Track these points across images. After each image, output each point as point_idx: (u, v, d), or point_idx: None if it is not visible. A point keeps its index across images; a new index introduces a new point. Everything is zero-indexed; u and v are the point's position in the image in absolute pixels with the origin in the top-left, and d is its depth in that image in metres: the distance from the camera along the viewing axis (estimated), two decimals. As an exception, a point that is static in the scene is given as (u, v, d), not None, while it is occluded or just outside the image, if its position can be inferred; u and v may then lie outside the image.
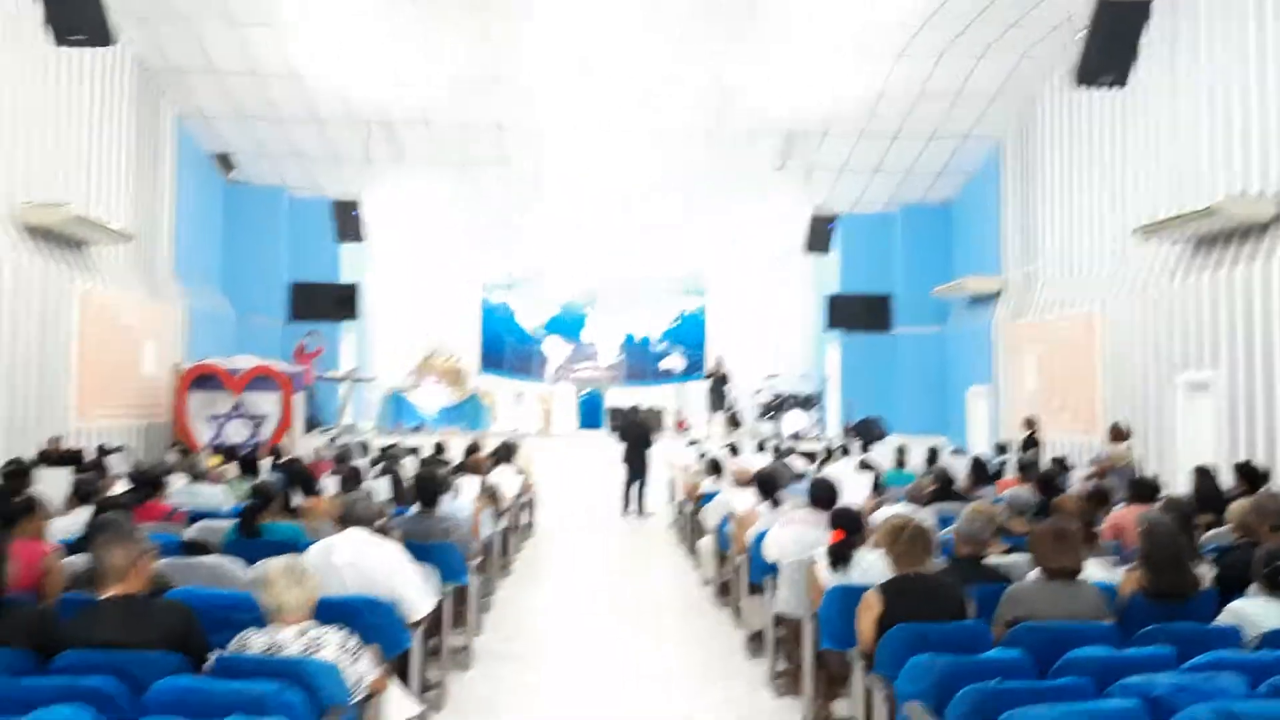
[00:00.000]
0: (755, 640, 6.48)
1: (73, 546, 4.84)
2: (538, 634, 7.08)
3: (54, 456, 8.50)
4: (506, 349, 20.61)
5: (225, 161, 16.36)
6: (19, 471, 6.71)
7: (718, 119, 14.96)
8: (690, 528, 10.29)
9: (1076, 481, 8.88)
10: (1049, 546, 3.94)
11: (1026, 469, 8.61)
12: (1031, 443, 12.09)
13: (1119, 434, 10.22)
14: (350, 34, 13.11)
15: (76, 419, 11.66)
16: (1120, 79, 8.20)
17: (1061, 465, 10.12)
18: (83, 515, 5.50)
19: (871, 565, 4.60)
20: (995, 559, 4.81)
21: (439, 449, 11.11)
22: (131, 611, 3.15)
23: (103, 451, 9.57)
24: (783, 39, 13.03)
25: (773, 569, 5.62)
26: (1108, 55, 8.06)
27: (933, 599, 3.86)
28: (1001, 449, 13.30)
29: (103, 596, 3.21)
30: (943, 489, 7.77)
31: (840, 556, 4.60)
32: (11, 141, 10.67)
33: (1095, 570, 4.45)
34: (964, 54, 13.26)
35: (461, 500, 7.05)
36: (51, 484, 6.57)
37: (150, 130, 14.02)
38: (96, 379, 12.15)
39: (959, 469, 8.88)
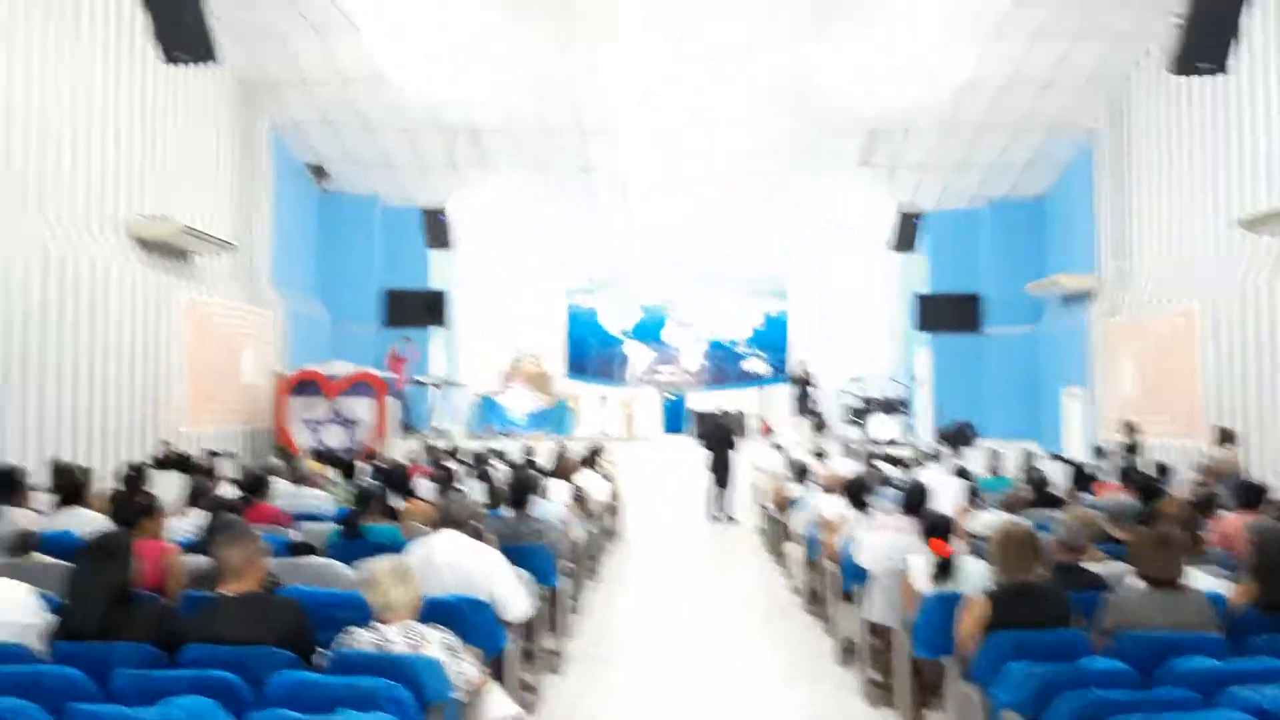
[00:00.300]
0: (846, 648, 6.44)
1: (189, 546, 5.11)
2: (626, 638, 7.15)
3: (166, 461, 8.91)
4: (591, 353, 20.82)
5: (319, 171, 16.93)
6: (136, 475, 7.07)
7: (800, 117, 14.86)
8: (777, 533, 10.26)
9: (1179, 487, 8.59)
10: (1150, 553, 3.84)
11: (1126, 474, 8.37)
12: (1131, 447, 11.71)
13: (1224, 437, 9.84)
14: (436, 44, 13.41)
15: (184, 424, 12.21)
16: (1220, 65, 7.78)
17: (1163, 470, 9.80)
18: (196, 517, 5.79)
19: (971, 573, 4.55)
20: (1095, 566, 4.70)
21: (528, 453, 11.30)
22: (249, 608, 3.32)
23: (214, 456, 9.99)
24: (866, 34, 12.87)
25: (864, 576, 5.59)
26: (1206, 41, 7.66)
27: (1039, 606, 3.81)
28: (1099, 453, 12.92)
29: (222, 593, 3.39)
30: (1040, 495, 7.62)
31: (944, 568, 4.54)
32: (120, 158, 11.24)
33: (1203, 579, 4.32)
34: (1054, 41, 12.88)
35: (552, 504, 7.17)
36: (164, 487, 6.89)
37: (248, 142, 14.60)
38: (201, 385, 12.69)
39: (1055, 474, 8.67)
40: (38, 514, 5.95)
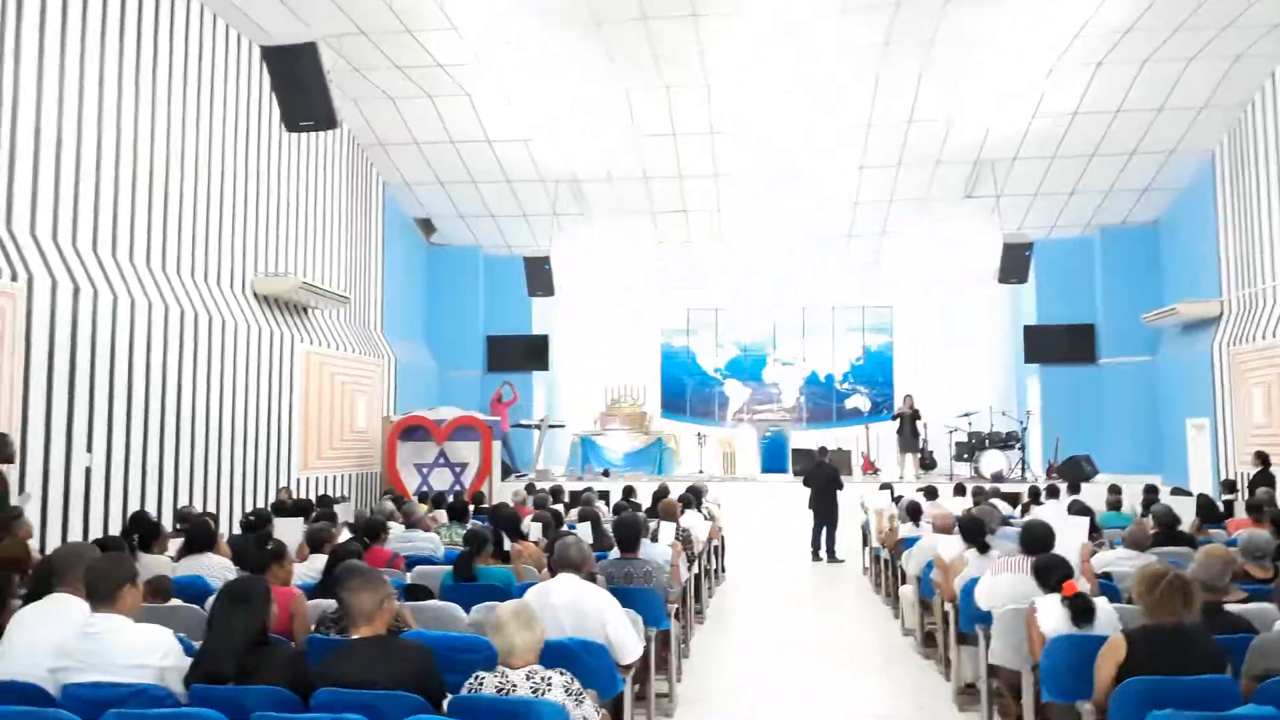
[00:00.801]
0: (966, 691, 6.23)
1: (311, 590, 5.27)
2: (735, 681, 7.06)
3: (287, 507, 9.25)
4: (688, 392, 20.81)
5: (426, 225, 17.57)
6: (259, 521, 7.34)
7: (903, 150, 14.75)
8: (888, 574, 10.02)
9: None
10: (1303, 595, 3.63)
11: (1259, 508, 7.91)
12: (1263, 479, 11.07)
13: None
14: (539, 103, 13.85)
15: (299, 469, 12.68)
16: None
17: (1303, 504, 9.24)
18: (317, 562, 5.97)
19: (1103, 615, 4.37)
20: (1235, 607, 4.46)
21: (628, 493, 11.32)
22: (379, 651, 3.39)
23: (329, 501, 10.31)
24: (970, 64, 12.74)
25: (985, 618, 5.41)
26: None
27: (1184, 650, 3.61)
28: (1229, 486, 12.26)
29: (353, 637, 3.48)
30: (1166, 531, 7.27)
31: (1084, 610, 4.35)
32: (246, 220, 11.90)
33: (1356, 621, 4.05)
34: (1167, 64, 12.57)
35: (659, 545, 7.16)
36: (285, 532, 7.13)
37: (362, 199, 15.25)
38: (316, 432, 13.18)
39: (1182, 509, 8.25)
40: (170, 560, 6.23)
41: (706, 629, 8.97)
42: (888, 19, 11.72)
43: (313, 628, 4.55)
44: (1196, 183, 15.10)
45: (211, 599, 3.66)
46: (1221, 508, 9.72)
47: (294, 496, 11.15)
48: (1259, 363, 13.05)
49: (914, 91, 13.36)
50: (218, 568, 6.00)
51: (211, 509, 10.55)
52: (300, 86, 8.05)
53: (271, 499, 11.29)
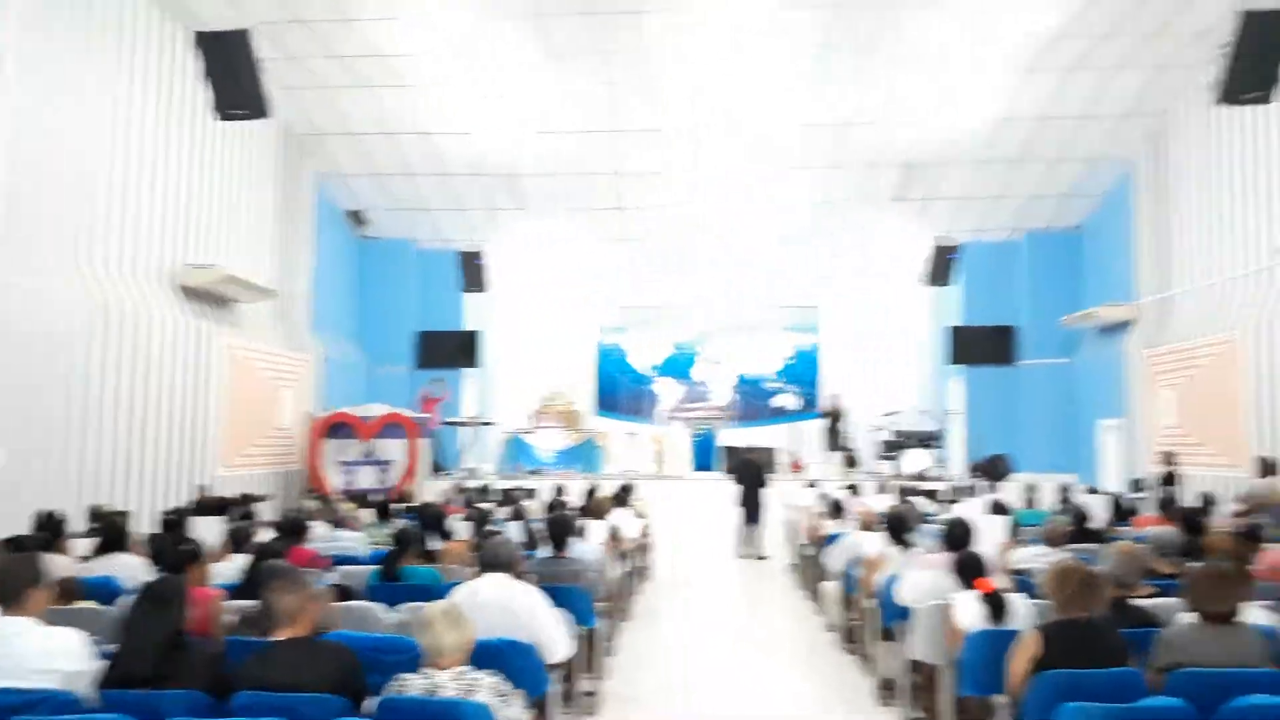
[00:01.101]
0: (887, 687, 6.35)
1: (231, 591, 5.14)
2: (661, 678, 7.09)
3: (207, 505, 9.01)
4: (620, 391, 20.84)
5: (357, 217, 17.26)
6: (179, 520, 7.14)
7: (834, 154, 14.96)
8: (811, 570, 10.16)
9: (1221, 519, 8.44)
10: (1208, 589, 3.78)
11: (1167, 506, 8.24)
12: (1171, 479, 11.53)
13: (1267, 468, 9.67)
14: (478, 96, 13.71)
15: (221, 466, 12.36)
16: (1265, 95, 7.72)
17: (1208, 501, 9.64)
18: (238, 562, 5.83)
19: (1019, 610, 4.50)
20: (1142, 601, 4.63)
21: (559, 492, 11.30)
22: (301, 653, 3.33)
23: (251, 499, 10.08)
24: (901, 70, 12.98)
25: (906, 614, 5.53)
26: (1252, 70, 7.59)
27: (1093, 644, 3.75)
28: (1138, 485, 12.74)
29: (274, 638, 3.41)
30: (1079, 529, 7.52)
31: (997, 606, 4.46)
32: (169, 209, 11.52)
33: (1252, 613, 4.24)
34: (1091, 72, 12.96)
35: (589, 543, 7.16)
36: (205, 531, 6.96)
37: (292, 191, 14.90)
38: (238, 429, 12.86)
39: (1094, 507, 8.55)
40: (79, 560, 6.02)
41: (634, 626, 8.99)
42: (826, 20, 11.88)
43: (233, 629, 4.45)
44: (1118, 189, 15.62)
45: (122, 600, 3.55)
46: (1131, 506, 10.10)
47: (216, 495, 10.87)
48: (1170, 365, 13.56)
49: (849, 94, 13.55)
50: (131, 568, 5.82)
51: (128, 507, 10.22)
52: (232, 74, 7.85)
53: (192, 497, 10.98)
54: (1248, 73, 7.46)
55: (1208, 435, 12.49)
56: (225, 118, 8.10)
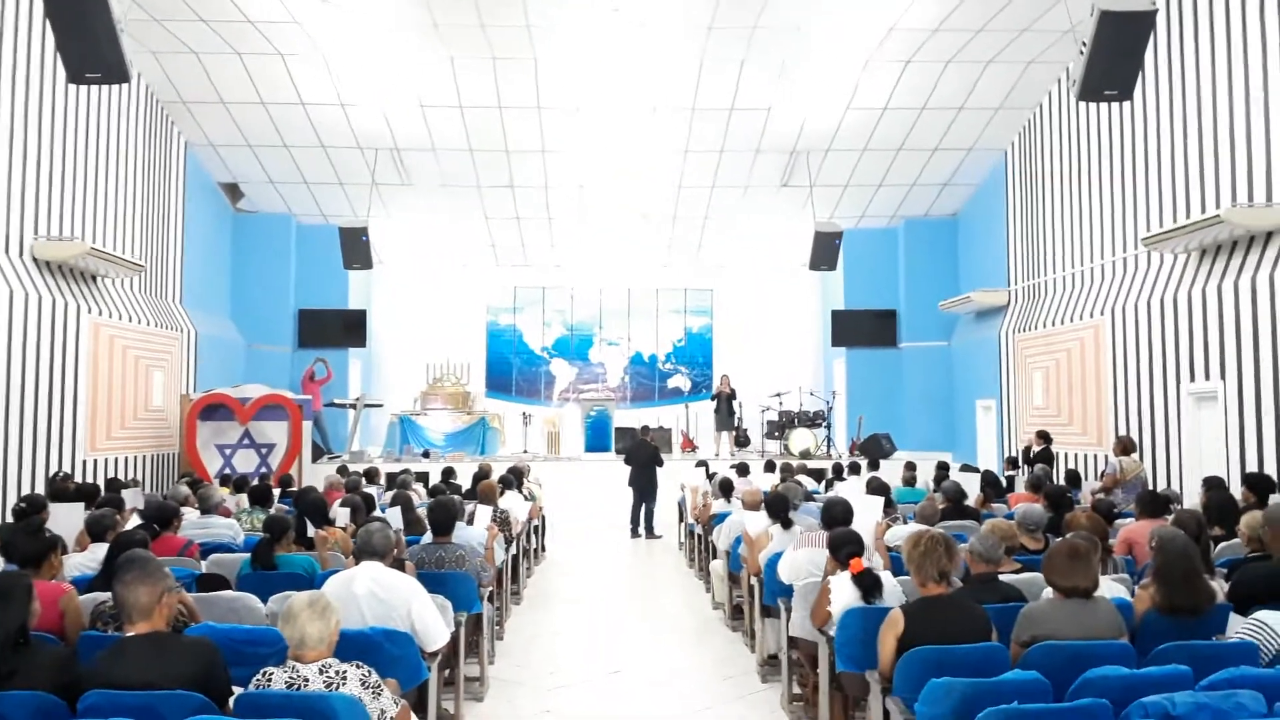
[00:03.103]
0: (770, 663, 6.48)
1: (89, 583, 4.87)
2: (550, 660, 7.08)
3: (66, 492, 8.50)
4: (514, 371, 20.65)
5: (233, 191, 16.55)
6: (34, 508, 6.72)
7: (725, 137, 15.07)
8: (701, 549, 10.29)
9: (1087, 495, 8.87)
10: (1062, 565, 3.94)
11: (1038, 484, 8.60)
12: (1043, 456, 12.07)
13: (1125, 447, 10.21)
14: (359, 67, 13.28)
15: (86, 451, 11.73)
16: (1125, 93, 8.06)
17: (1074, 480, 10.12)
18: (99, 552, 5.53)
19: (891, 589, 4.61)
20: (1009, 576, 4.82)
21: (447, 474, 11.11)
22: (156, 649, 3.16)
23: (119, 485, 9.58)
24: (790, 53, 13.12)
25: (787, 591, 5.63)
26: (1112, 69, 7.88)
27: (956, 620, 3.88)
28: (1013, 463, 13.30)
29: (128, 634, 3.23)
30: (954, 506, 7.79)
31: (871, 585, 4.56)
32: (24, 177, 10.79)
33: (1108, 587, 4.45)
34: (970, 63, 13.37)
35: (474, 528, 7.06)
36: (63, 520, 6.57)
37: (161, 161, 14.17)
38: (105, 411, 12.22)
39: (969, 485, 8.87)
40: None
41: (523, 609, 8.96)
42: (714, 2, 11.91)
43: (87, 624, 4.21)
44: (991, 179, 16.22)
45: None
46: (1004, 483, 10.53)
47: (80, 480, 10.30)
48: (1039, 349, 14.19)
49: (736, 78, 13.66)
50: (-20, 561, 5.45)
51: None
52: (87, 34, 7.30)
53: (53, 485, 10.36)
54: (1107, 71, 7.75)
55: (1076, 416, 13.13)
56: (78, 81, 7.52)
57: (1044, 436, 12.45)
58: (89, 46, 7.23)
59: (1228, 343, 10.07)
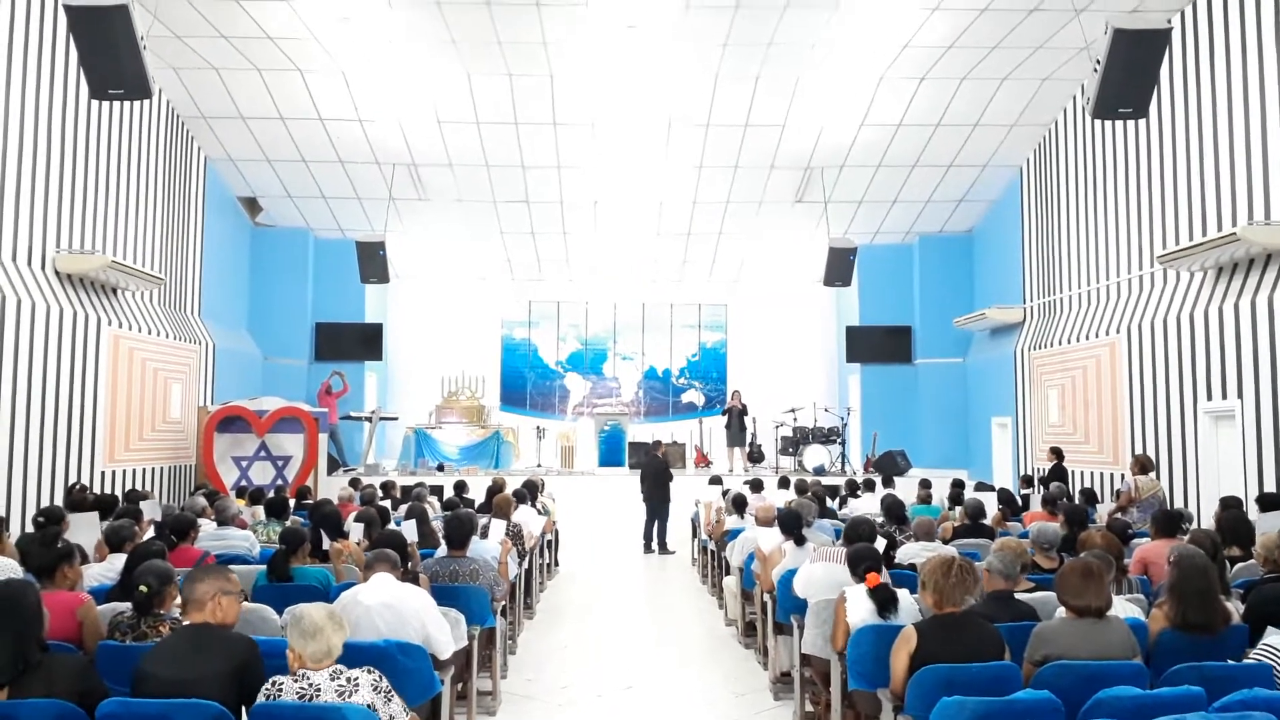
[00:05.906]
0: (782, 680, 6.45)
1: (107, 593, 4.92)
2: (562, 675, 7.07)
3: (84, 503, 8.57)
4: (528, 386, 20.71)
5: (252, 205, 16.72)
6: (52, 519, 6.78)
7: (739, 153, 15.13)
8: (714, 565, 10.27)
9: (1103, 514, 8.81)
10: (1075, 584, 3.93)
11: (1053, 502, 8.55)
12: (1057, 474, 12.00)
13: (1143, 465, 10.14)
14: (374, 80, 13.42)
15: (105, 462, 11.83)
16: (1140, 111, 8.04)
17: (1091, 498, 10.05)
18: (115, 562, 5.58)
19: (906, 605, 4.60)
20: (1023, 595, 4.79)
21: (460, 488, 11.14)
22: (200, 640, 3.35)
23: (137, 496, 9.65)
24: (805, 70, 13.18)
25: (800, 608, 5.62)
26: (1126, 87, 7.85)
27: (970, 638, 3.86)
28: (1028, 481, 13.22)
29: (183, 624, 3.49)
30: (970, 524, 7.76)
31: (887, 601, 4.56)
32: (46, 191, 10.95)
33: (1123, 607, 4.43)
34: (985, 80, 13.41)
35: (488, 542, 7.08)
36: (82, 531, 6.63)
37: (181, 176, 14.33)
38: (124, 422, 12.33)
39: (986, 503, 8.82)
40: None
41: (536, 624, 8.96)
42: (728, 19, 11.98)
43: (106, 634, 4.25)
44: (1006, 196, 16.20)
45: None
46: (1020, 501, 10.46)
47: (99, 492, 10.38)
48: (1054, 366, 14.13)
49: (751, 94, 13.72)
50: (2, 571, 5.51)
51: (10, 509, 9.71)
52: (110, 51, 7.42)
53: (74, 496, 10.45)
54: (1122, 89, 7.73)
55: (1092, 434, 13.06)
56: (102, 97, 7.63)
57: (1056, 453, 12.38)
58: (111, 63, 7.34)
59: (1245, 361, 10.01)
